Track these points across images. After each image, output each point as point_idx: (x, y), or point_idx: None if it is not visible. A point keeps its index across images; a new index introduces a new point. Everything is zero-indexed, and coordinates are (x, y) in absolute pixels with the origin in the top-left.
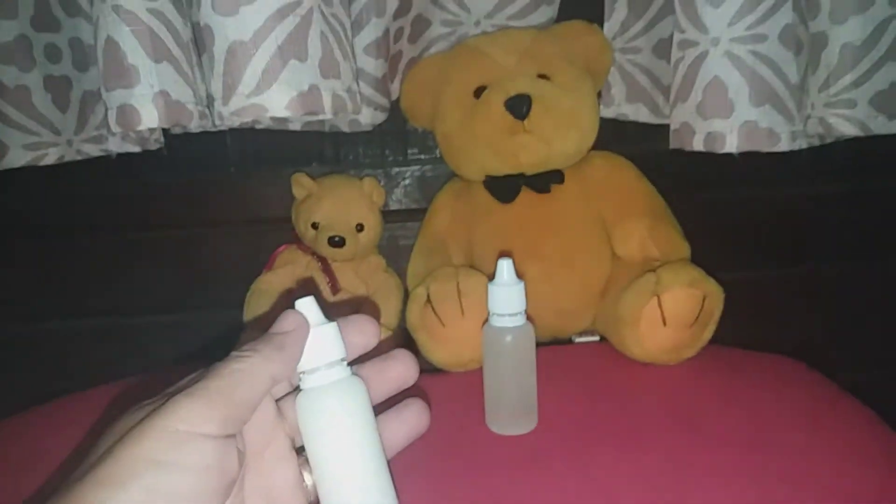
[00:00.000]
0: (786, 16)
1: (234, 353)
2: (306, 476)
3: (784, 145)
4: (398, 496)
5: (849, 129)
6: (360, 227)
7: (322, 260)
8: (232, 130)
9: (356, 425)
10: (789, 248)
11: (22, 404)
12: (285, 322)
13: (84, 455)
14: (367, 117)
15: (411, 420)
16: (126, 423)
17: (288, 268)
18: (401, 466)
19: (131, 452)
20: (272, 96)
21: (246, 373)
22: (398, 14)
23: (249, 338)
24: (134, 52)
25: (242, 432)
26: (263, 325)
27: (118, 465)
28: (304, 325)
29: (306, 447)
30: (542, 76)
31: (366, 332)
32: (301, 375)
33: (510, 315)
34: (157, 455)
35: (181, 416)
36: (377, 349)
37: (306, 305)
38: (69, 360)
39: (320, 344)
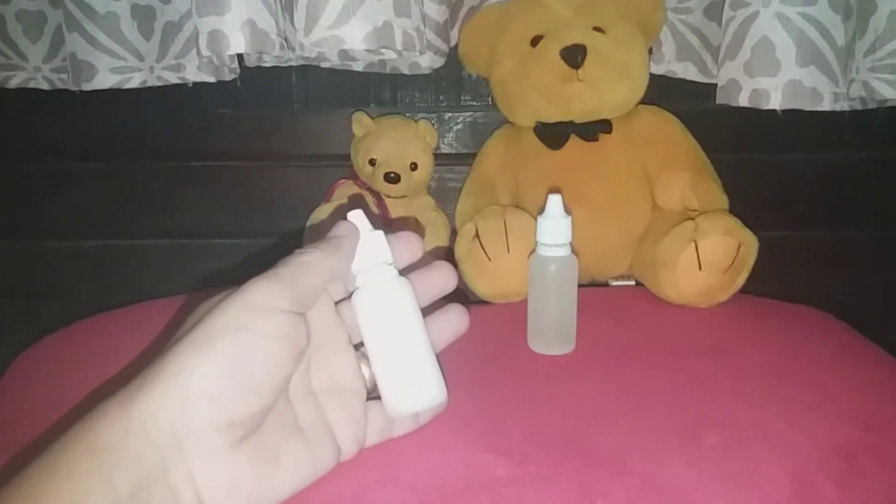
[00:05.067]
0: None
1: (297, 250)
2: (363, 367)
3: (826, 105)
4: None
5: (891, 93)
6: (413, 166)
7: (377, 195)
8: (297, 69)
9: (406, 315)
10: (828, 211)
11: (87, 311)
12: (340, 228)
13: (173, 331)
14: (427, 61)
15: (453, 321)
16: (210, 303)
17: (345, 200)
18: (449, 374)
19: (218, 321)
20: (350, 30)
21: (310, 263)
22: None
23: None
24: None
25: (308, 321)
26: (321, 234)
27: (208, 330)
28: (356, 230)
29: (364, 338)
30: (596, 29)
31: (412, 245)
32: (356, 276)
33: (557, 245)
34: (240, 322)
35: (259, 292)
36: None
37: (356, 216)
38: (132, 274)
39: (370, 248)
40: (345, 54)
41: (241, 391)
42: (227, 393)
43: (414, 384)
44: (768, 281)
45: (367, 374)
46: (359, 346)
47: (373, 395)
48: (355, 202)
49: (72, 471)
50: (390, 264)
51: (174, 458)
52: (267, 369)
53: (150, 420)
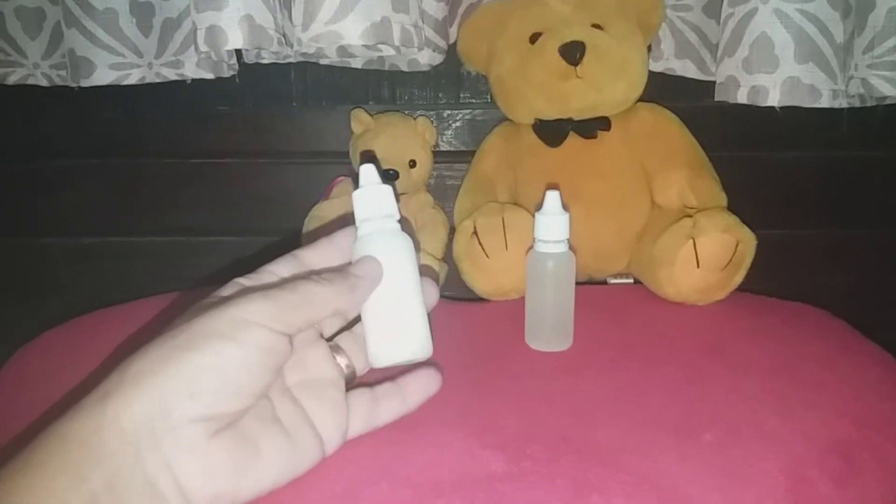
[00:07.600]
0: None
1: (314, 276)
2: (339, 358)
3: (825, 102)
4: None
5: (889, 91)
6: (412, 164)
7: None
8: (295, 67)
9: (403, 269)
10: (827, 209)
11: (85, 308)
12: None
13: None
14: (426, 58)
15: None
16: (201, 305)
17: (343, 198)
18: (446, 369)
19: (204, 327)
20: (348, 25)
21: (317, 298)
22: None
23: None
24: None
25: None
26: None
27: (192, 335)
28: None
29: None
30: (595, 26)
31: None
32: (359, 225)
33: (554, 242)
34: (227, 331)
35: (252, 309)
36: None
37: (367, 171)
38: (130, 271)
39: (377, 200)
40: (343, 51)
41: (222, 393)
42: (208, 393)
43: (402, 335)
44: (766, 279)
45: (343, 363)
46: (330, 340)
47: (351, 386)
48: (367, 156)
49: (43, 465)
50: (395, 219)
51: (150, 450)
52: (249, 377)
53: (125, 413)
